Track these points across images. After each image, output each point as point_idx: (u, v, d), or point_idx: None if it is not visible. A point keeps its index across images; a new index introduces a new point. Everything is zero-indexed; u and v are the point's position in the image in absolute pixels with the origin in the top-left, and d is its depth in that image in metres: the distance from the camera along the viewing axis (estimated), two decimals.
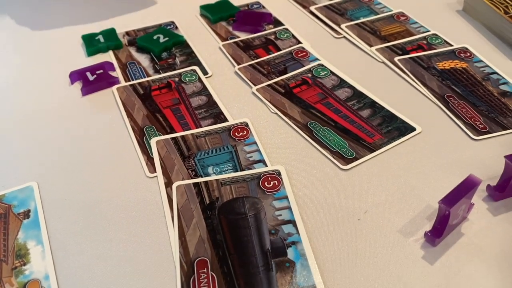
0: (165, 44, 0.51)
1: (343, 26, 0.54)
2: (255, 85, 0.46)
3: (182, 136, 0.40)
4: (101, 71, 0.48)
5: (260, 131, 0.41)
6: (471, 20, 0.55)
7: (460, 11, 0.57)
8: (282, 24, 0.56)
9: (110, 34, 0.53)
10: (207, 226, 0.33)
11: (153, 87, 0.47)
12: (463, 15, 0.57)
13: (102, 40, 0.52)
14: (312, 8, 0.58)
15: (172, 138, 0.40)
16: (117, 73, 0.49)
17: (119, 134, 0.41)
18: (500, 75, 0.46)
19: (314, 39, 0.53)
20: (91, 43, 0.52)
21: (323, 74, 0.47)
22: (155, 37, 0.52)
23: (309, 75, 0.47)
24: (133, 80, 0.48)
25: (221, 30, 0.55)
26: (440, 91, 0.45)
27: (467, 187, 0.30)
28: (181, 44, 0.53)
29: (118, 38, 0.53)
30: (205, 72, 0.49)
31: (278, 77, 0.47)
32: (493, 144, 0.39)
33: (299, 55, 0.50)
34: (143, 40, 0.52)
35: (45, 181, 0.37)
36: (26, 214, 0.34)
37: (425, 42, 0.51)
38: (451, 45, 0.51)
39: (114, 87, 0.46)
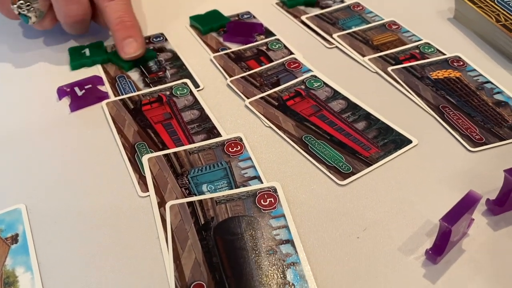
0: (134, 60, 0.50)
1: (335, 35, 0.54)
2: (248, 98, 0.46)
3: (175, 153, 0.39)
4: (90, 85, 0.47)
5: (254, 146, 0.40)
6: (463, 28, 0.55)
7: (451, 19, 0.57)
8: (273, 35, 0.55)
9: (97, 47, 0.52)
10: (202, 248, 0.32)
11: (143, 101, 0.46)
12: (454, 23, 0.57)
13: (88, 53, 0.51)
14: (303, 17, 0.57)
15: (165, 155, 0.39)
16: (106, 87, 0.48)
17: (110, 151, 0.40)
18: (494, 84, 0.46)
19: (306, 49, 0.52)
20: (76, 57, 0.51)
21: (316, 85, 0.47)
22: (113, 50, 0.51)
23: (302, 86, 0.47)
24: (122, 94, 0.47)
25: (211, 41, 0.55)
26: (435, 102, 0.44)
27: (468, 204, 0.29)
28: (152, 59, 0.51)
29: (105, 52, 0.52)
30: (196, 85, 0.48)
31: (271, 89, 0.47)
32: (490, 155, 0.38)
33: (291, 66, 0.50)
34: (115, 55, 0.51)
35: (33, 203, 0.36)
36: (14, 239, 0.33)
37: (417, 51, 0.51)
38: (444, 54, 0.51)
39: (104, 102, 0.45)
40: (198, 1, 0.62)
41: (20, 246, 0.33)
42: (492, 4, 0.54)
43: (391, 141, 0.40)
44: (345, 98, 0.45)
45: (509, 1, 0.54)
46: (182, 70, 0.50)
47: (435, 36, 0.53)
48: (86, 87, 0.47)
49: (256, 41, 0.54)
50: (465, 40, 0.53)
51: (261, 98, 0.46)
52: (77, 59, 0.51)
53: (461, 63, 0.49)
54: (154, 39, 0.55)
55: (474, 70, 0.48)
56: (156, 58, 0.51)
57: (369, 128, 0.42)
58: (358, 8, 0.59)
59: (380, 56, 0.50)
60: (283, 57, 0.51)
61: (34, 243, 0.33)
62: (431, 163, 0.38)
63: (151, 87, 0.47)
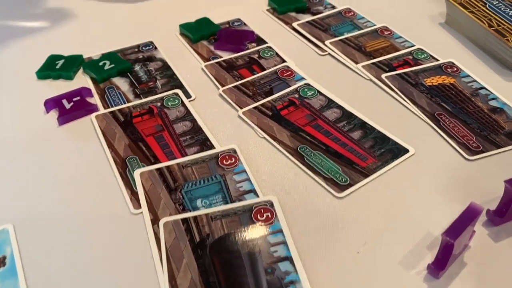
0: (109, 72, 0.49)
1: (327, 42, 0.53)
2: (241, 108, 0.45)
3: (167, 167, 0.38)
4: (78, 97, 0.46)
5: (249, 158, 0.39)
6: (454, 33, 0.55)
7: (443, 23, 0.57)
8: (265, 42, 0.54)
9: (72, 61, 0.50)
10: (198, 267, 0.31)
11: (134, 113, 0.44)
12: (446, 28, 0.56)
13: (59, 66, 0.49)
14: (295, 24, 0.57)
15: (157, 169, 0.38)
16: (95, 99, 0.47)
17: (100, 166, 0.39)
18: (489, 90, 0.46)
19: (298, 57, 0.52)
20: (46, 66, 0.50)
21: (310, 94, 0.46)
22: (101, 64, 0.50)
23: (296, 95, 0.46)
24: (112, 106, 0.45)
25: (202, 49, 0.54)
26: (430, 109, 0.44)
27: (469, 216, 0.29)
28: (128, 71, 0.50)
29: (73, 68, 0.49)
30: (188, 96, 0.47)
31: (264, 98, 0.46)
32: (487, 164, 0.38)
33: (284, 75, 0.49)
34: (88, 66, 0.50)
35: (21, 223, 0.34)
36: (2, 261, 0.32)
37: (411, 57, 0.51)
38: (437, 60, 0.50)
39: (93, 115, 0.44)
40: (188, 8, 0.61)
41: (8, 269, 0.31)
42: (484, 8, 0.53)
43: (388, 150, 0.40)
44: (339, 107, 0.44)
45: (501, 5, 0.54)
46: (173, 80, 0.49)
47: (428, 42, 0.53)
48: (74, 99, 0.46)
49: (248, 49, 0.53)
50: (457, 45, 0.53)
51: (255, 108, 0.45)
52: (45, 69, 0.49)
53: (455, 69, 0.49)
54: (143, 48, 0.54)
55: (468, 76, 0.48)
56: (134, 71, 0.50)
57: (365, 137, 0.41)
58: (350, 14, 0.58)
59: (373, 63, 0.50)
60: (276, 65, 0.50)
61: (23, 265, 0.32)
62: (429, 172, 0.38)
63: (141, 98, 0.46)
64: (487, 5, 0.54)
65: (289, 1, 0.60)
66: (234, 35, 0.55)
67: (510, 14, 0.52)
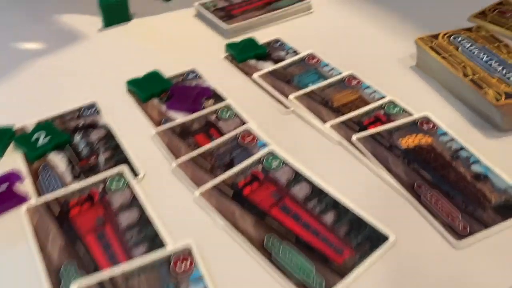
0: (43, 148, 0.42)
1: (291, 97, 0.48)
2: (198, 187, 0.39)
3: (111, 279, 0.32)
4: (7, 184, 0.39)
5: (207, 258, 0.33)
6: (427, 78, 0.51)
7: (414, 67, 0.53)
8: (223, 99, 0.49)
9: (0, 135, 0.44)
10: None
11: (71, 202, 0.38)
12: (417, 72, 0.52)
13: None
14: (256, 76, 0.51)
15: (98, 283, 0.32)
16: (27, 184, 0.40)
17: (29, 280, 0.33)
18: (469, 152, 0.41)
19: (260, 115, 0.46)
20: None
21: (275, 165, 0.41)
22: (34, 138, 0.43)
23: (260, 167, 0.41)
24: (47, 192, 0.39)
25: (152, 110, 0.48)
26: (408, 178, 0.39)
27: None
28: (66, 143, 0.43)
29: (2, 144, 0.43)
30: (135, 173, 0.41)
31: (223, 172, 0.40)
32: (477, 250, 0.34)
33: (246, 140, 0.43)
34: (19, 141, 0.43)
35: None
36: None
37: (382, 112, 0.46)
38: (411, 114, 0.46)
39: (23, 208, 0.37)
40: (136, 61, 0.55)
41: None
42: (456, 53, 0.50)
43: (365, 237, 0.35)
44: (308, 181, 0.39)
45: (474, 49, 0.50)
46: (117, 153, 0.43)
47: (399, 91, 0.48)
48: (1, 187, 0.39)
49: (204, 107, 0.48)
50: (431, 93, 0.49)
51: (214, 187, 0.39)
52: None
53: (431, 125, 0.44)
54: (85, 112, 0.47)
55: (446, 134, 0.43)
56: (73, 143, 0.44)
57: (339, 221, 0.36)
58: (314, 61, 0.54)
59: (342, 122, 0.45)
60: (236, 128, 0.45)
61: None
62: (412, 266, 0.33)
63: (80, 179, 0.40)
64: (459, 49, 0.50)
65: (248, 48, 0.55)
66: (188, 92, 0.49)
67: (484, 59, 0.49)
